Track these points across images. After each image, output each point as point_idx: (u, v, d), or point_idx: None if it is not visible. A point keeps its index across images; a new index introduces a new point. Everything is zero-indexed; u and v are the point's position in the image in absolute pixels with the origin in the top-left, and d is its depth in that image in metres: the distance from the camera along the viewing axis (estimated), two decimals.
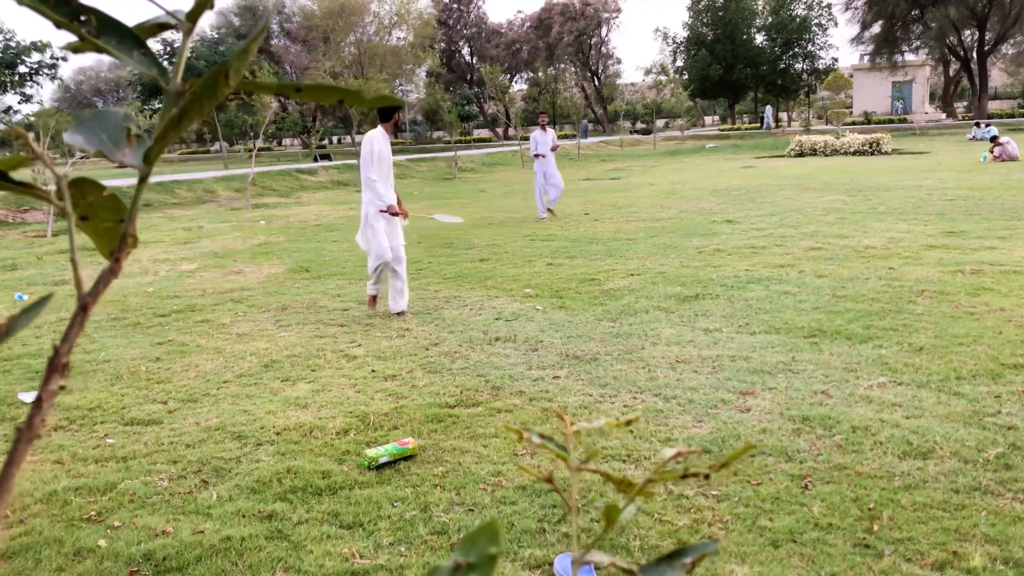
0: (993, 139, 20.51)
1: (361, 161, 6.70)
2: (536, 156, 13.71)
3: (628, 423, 0.59)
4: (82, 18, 0.46)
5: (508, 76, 60.76)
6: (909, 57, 47.26)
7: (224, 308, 7.50)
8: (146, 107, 35.03)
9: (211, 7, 0.46)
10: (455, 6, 61.28)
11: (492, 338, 5.96)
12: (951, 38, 43.52)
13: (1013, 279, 6.81)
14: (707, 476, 0.52)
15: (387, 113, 6.68)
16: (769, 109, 52.18)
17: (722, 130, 52.17)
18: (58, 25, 0.45)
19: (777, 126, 45.07)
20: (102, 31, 0.47)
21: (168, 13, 0.48)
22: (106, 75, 77.05)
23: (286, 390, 5.02)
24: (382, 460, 3.80)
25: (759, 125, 52.20)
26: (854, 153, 25.79)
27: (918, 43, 45.97)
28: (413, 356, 5.61)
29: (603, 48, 61.83)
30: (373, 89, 36.72)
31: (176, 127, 0.44)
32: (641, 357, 5.29)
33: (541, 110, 15.29)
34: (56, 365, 0.47)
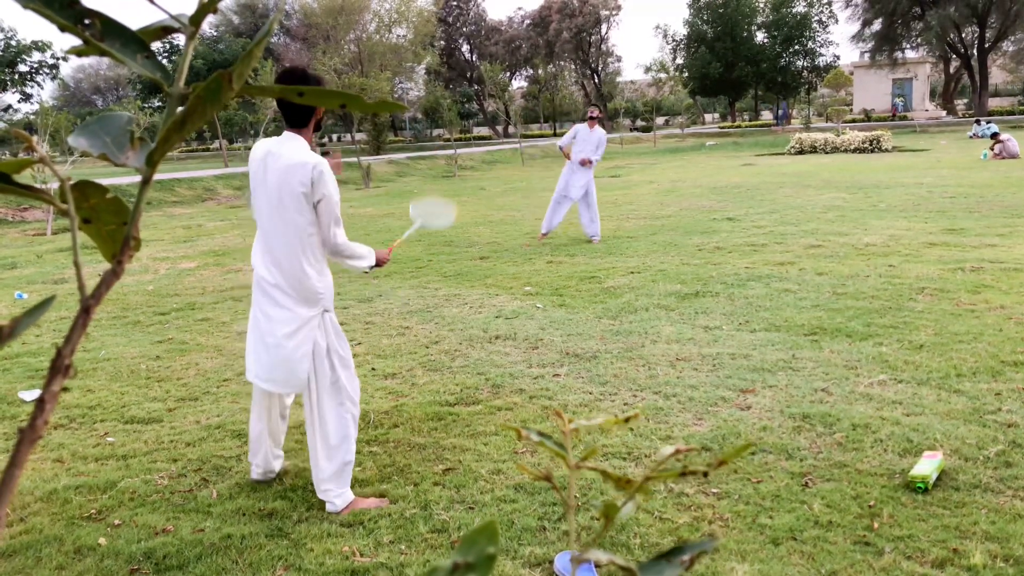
0: (994, 136, 20.49)
1: (330, 207, 3.32)
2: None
3: (627, 420, 0.59)
4: (86, 21, 0.46)
5: (508, 74, 60.74)
6: (909, 54, 47.24)
7: (224, 306, 7.50)
8: (145, 106, 35.04)
9: (214, 11, 0.46)
10: (455, 3, 61.24)
11: (492, 336, 5.96)
12: (951, 35, 43.50)
13: (1013, 276, 6.81)
14: (705, 474, 0.52)
15: (304, 114, 3.37)
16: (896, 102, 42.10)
17: (722, 128, 52.14)
18: (62, 28, 0.46)
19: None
20: (106, 35, 0.47)
21: (172, 16, 0.48)
22: (106, 73, 77.05)
23: None
24: (934, 477, 3.30)
25: (891, 115, 44.10)
26: (854, 150, 25.78)
27: (919, 40, 45.95)
28: (413, 354, 5.62)
29: (603, 46, 61.78)
30: (376, 89, 36.72)
31: (179, 130, 0.44)
32: (641, 355, 5.29)
33: (592, 102, 10.92)
34: (59, 367, 0.47)
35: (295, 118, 3.37)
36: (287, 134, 3.38)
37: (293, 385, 3.37)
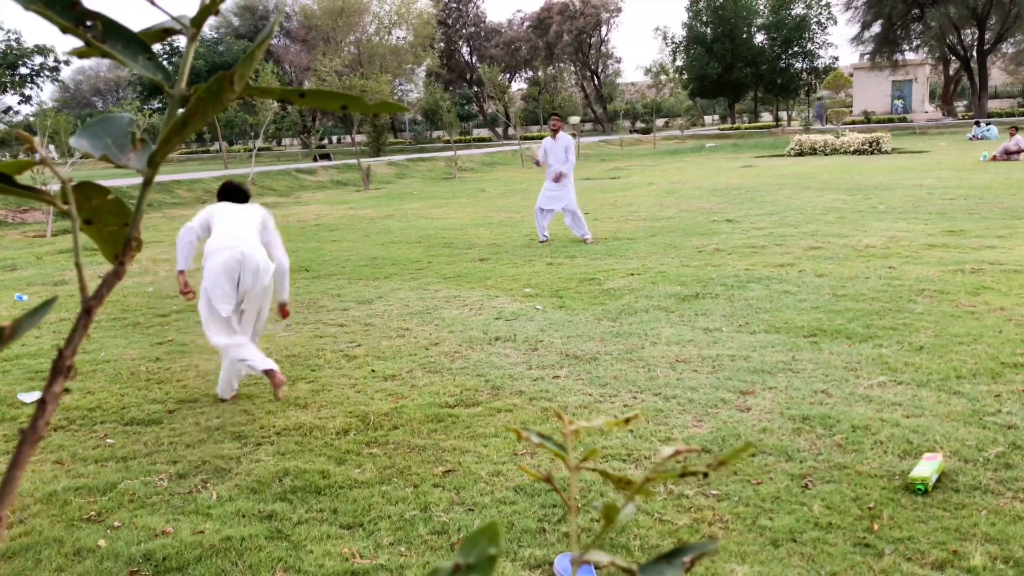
0: (1014, 130, 20.36)
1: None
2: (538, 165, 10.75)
3: (627, 421, 0.59)
4: (88, 23, 0.46)
5: (507, 76, 60.77)
6: (909, 56, 47.25)
7: None
8: (145, 107, 35.06)
9: (216, 12, 0.46)
10: (454, 5, 61.27)
11: (492, 338, 5.96)
12: (951, 37, 43.52)
13: (1013, 278, 6.81)
14: (705, 475, 0.52)
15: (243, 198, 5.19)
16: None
17: (722, 129, 52.15)
18: (64, 30, 0.46)
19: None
20: (108, 36, 0.47)
21: (173, 18, 0.48)
22: (105, 75, 77.09)
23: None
24: (934, 478, 3.31)
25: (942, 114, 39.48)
26: (854, 152, 25.78)
27: (918, 42, 45.98)
28: (413, 356, 5.62)
29: (603, 47, 61.82)
30: (376, 91, 36.74)
31: (181, 132, 0.44)
32: (641, 356, 5.29)
33: (553, 111, 10.27)
34: (60, 368, 0.47)
35: (240, 198, 5.15)
36: (240, 206, 5.04)
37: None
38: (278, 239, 5.11)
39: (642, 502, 3.23)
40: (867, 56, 47.13)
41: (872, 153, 25.32)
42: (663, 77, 60.24)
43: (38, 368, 5.76)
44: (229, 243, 4.74)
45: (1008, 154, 19.62)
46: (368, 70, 43.94)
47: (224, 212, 4.96)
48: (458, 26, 62.34)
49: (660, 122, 63.72)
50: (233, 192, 5.19)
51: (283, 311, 5.18)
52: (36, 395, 5.11)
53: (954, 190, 13.60)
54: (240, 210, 5.02)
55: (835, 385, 4.54)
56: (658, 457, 0.53)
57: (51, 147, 19.03)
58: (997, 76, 59.92)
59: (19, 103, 37.39)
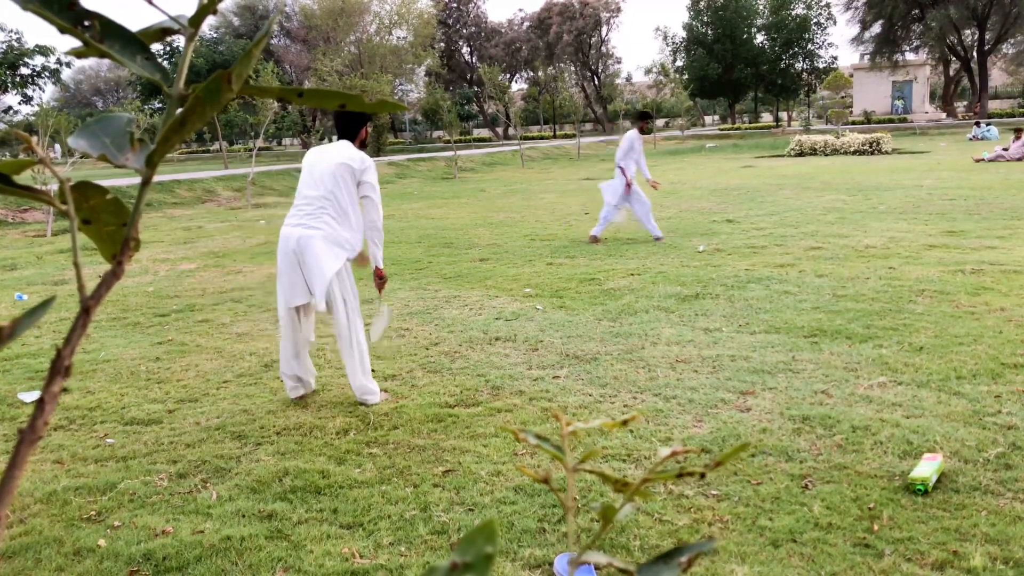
0: (1018, 131, 20.30)
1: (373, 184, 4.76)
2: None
3: (624, 423, 0.59)
4: (86, 23, 0.46)
5: (507, 76, 60.77)
6: (909, 57, 47.28)
7: (224, 308, 7.50)
8: (146, 107, 35.08)
9: (214, 12, 0.46)
10: (455, 5, 61.29)
11: (492, 338, 5.96)
12: (951, 38, 43.54)
13: (1013, 279, 6.81)
14: (703, 475, 0.52)
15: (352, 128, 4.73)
16: None
17: (722, 130, 52.14)
18: (62, 30, 0.46)
19: None
20: (106, 36, 0.47)
21: (171, 18, 0.48)
22: (106, 75, 77.10)
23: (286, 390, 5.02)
24: (934, 479, 3.32)
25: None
26: (854, 153, 25.78)
27: (918, 43, 46.01)
28: (413, 356, 5.62)
29: (603, 48, 61.83)
30: (376, 91, 36.72)
31: (179, 131, 0.44)
32: (641, 357, 5.29)
33: (645, 109, 10.69)
34: (58, 367, 0.48)
35: (345, 131, 4.73)
36: (330, 152, 4.60)
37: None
38: (373, 193, 4.67)
39: (642, 502, 3.23)
40: (867, 56, 47.17)
41: (872, 153, 25.33)
42: (663, 78, 60.19)
43: (38, 368, 5.76)
44: (289, 232, 4.48)
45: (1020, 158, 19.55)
46: (368, 70, 43.92)
47: (306, 168, 4.58)
48: (458, 26, 62.34)
49: (660, 122, 63.68)
50: (338, 119, 4.79)
51: (375, 278, 4.88)
52: (36, 394, 5.11)
53: (954, 191, 13.59)
54: (326, 162, 4.51)
55: (835, 385, 4.54)
56: (656, 458, 0.53)
57: (56, 147, 19.02)
58: (997, 77, 59.93)
59: (20, 103, 37.37)
